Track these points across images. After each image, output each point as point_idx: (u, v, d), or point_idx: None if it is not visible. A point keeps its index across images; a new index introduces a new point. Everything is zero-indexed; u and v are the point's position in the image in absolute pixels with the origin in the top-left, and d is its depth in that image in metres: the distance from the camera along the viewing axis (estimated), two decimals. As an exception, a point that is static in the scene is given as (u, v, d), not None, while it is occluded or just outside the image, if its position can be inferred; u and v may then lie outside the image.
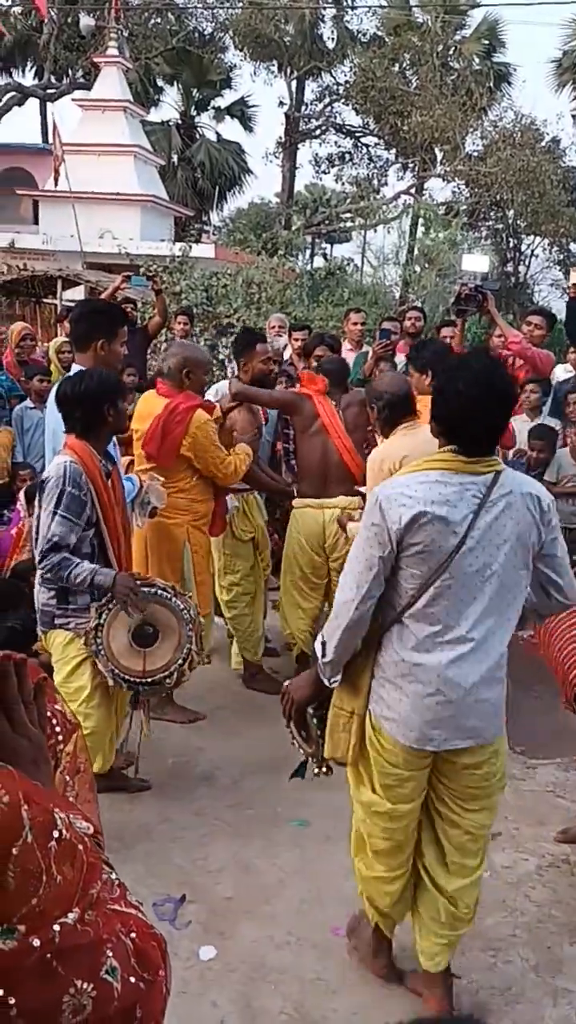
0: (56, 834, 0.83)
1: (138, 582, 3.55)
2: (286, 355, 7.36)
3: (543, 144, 21.00)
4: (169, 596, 3.59)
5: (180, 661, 3.57)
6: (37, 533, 3.51)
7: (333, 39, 24.18)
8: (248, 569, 4.99)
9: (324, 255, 28.11)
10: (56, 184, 14.07)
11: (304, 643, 4.86)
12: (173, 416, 4.23)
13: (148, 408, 4.36)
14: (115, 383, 3.62)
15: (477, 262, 6.40)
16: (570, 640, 3.36)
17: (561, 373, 7.10)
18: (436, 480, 2.34)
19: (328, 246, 29.38)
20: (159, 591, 3.58)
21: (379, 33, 23.69)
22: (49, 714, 1.06)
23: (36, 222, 18.90)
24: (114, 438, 3.86)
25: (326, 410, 4.73)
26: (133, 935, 0.89)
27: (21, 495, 5.31)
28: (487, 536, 2.33)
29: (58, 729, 1.09)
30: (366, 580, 2.38)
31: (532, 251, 23.98)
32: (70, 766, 1.10)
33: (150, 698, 3.86)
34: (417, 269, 17.33)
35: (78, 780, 1.11)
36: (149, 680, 3.52)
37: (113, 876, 0.95)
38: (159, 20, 24.39)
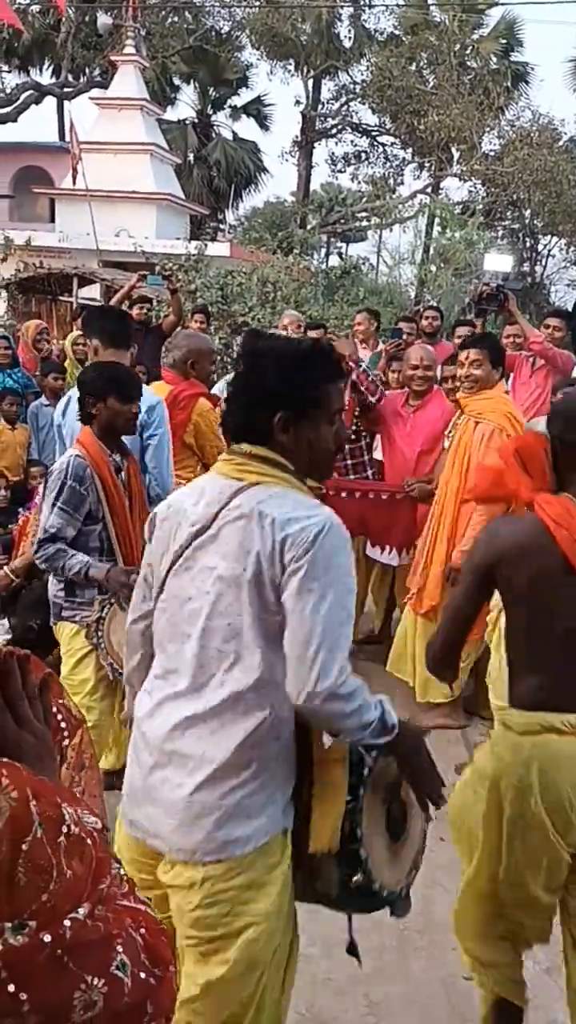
0: (65, 829, 0.83)
1: (134, 577, 3.48)
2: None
3: (560, 144, 20.92)
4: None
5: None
6: None
7: (350, 38, 24.19)
8: None
9: (339, 254, 28.07)
10: (73, 182, 14.10)
11: None
12: (177, 403, 4.26)
13: None
14: (114, 380, 3.43)
15: (500, 262, 6.38)
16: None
17: (580, 372, 7.04)
18: (191, 485, 1.94)
19: (343, 245, 29.34)
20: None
21: (396, 32, 23.68)
22: (54, 709, 1.06)
23: (52, 220, 18.97)
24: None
25: None
26: (143, 930, 0.88)
27: (39, 492, 5.31)
28: (202, 558, 1.79)
29: (63, 724, 1.09)
30: (136, 593, 2.01)
31: (549, 251, 23.93)
32: (75, 761, 1.09)
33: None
34: (433, 268, 17.28)
35: (84, 776, 1.10)
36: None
37: (122, 871, 0.94)
38: (176, 19, 24.48)
